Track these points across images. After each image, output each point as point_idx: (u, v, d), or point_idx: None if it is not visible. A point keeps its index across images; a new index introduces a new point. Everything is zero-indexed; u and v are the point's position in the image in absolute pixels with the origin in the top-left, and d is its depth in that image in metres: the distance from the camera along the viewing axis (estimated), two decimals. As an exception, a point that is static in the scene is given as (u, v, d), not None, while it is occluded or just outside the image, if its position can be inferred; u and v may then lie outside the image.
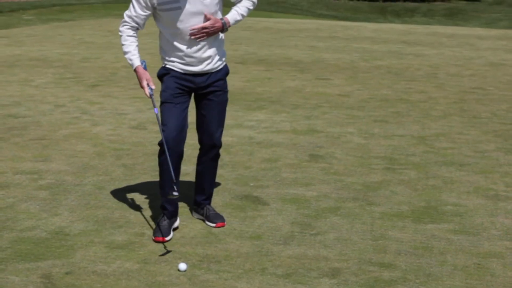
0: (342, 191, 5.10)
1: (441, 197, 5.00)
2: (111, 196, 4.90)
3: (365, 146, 6.41)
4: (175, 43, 4.05)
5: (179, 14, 3.93)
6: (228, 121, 7.15)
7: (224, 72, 4.25)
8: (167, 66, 4.13)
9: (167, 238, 4.07)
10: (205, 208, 4.47)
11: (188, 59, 4.07)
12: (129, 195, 4.93)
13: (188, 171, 5.43)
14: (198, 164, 4.49)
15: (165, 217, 4.18)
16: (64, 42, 14.43)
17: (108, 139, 6.50)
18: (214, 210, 4.48)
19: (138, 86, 9.65)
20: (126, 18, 4.08)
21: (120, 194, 4.96)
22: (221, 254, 3.94)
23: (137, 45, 4.11)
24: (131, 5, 4.04)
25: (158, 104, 4.15)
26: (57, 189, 5.05)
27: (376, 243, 4.13)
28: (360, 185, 5.25)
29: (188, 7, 3.92)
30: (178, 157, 4.14)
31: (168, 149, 4.00)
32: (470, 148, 6.38)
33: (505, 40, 17.31)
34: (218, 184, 5.11)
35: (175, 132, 4.06)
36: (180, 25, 3.97)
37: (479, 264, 3.86)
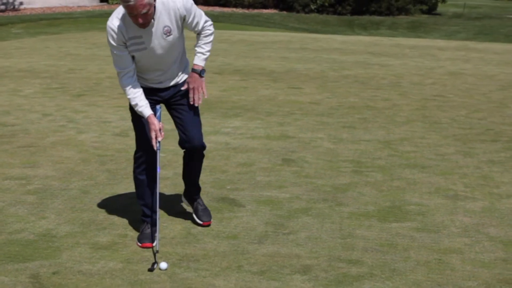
0: (313, 193, 5.12)
1: (404, 198, 5.04)
2: (95, 200, 4.87)
3: (334, 150, 6.43)
4: (140, 73, 3.95)
5: (146, 53, 3.84)
6: (205, 128, 7.13)
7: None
8: None
9: (154, 244, 4.04)
10: (195, 202, 4.39)
11: (152, 81, 3.99)
12: (113, 199, 4.90)
13: (168, 175, 5.41)
14: (184, 164, 4.32)
15: (148, 225, 4.14)
16: (51, 54, 14.30)
17: (92, 145, 6.45)
18: (203, 205, 4.40)
19: (121, 95, 9.61)
20: (117, 70, 3.88)
21: (104, 197, 4.93)
22: (200, 253, 3.93)
23: (142, 93, 3.87)
24: (112, 55, 3.86)
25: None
26: (44, 193, 5.00)
27: (344, 241, 4.15)
28: (330, 187, 5.27)
29: (153, 46, 3.82)
30: (154, 168, 4.05)
31: (143, 162, 4.04)
32: (431, 152, 6.44)
33: (463, 50, 17.51)
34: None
35: (146, 145, 3.98)
36: (146, 61, 3.88)
37: (440, 260, 3.90)
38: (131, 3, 3.54)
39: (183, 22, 3.88)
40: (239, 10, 35.85)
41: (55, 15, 28.31)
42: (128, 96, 3.89)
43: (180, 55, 4.01)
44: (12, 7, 33.93)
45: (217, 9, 35.55)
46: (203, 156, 4.28)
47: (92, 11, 31.13)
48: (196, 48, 4.03)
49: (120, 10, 3.76)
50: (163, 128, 3.92)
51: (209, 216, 4.38)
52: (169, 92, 4.05)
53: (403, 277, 3.65)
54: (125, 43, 3.79)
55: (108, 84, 10.26)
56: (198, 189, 4.44)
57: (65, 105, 8.50)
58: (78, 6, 35.27)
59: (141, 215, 4.22)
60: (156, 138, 3.87)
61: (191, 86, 3.99)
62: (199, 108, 4.18)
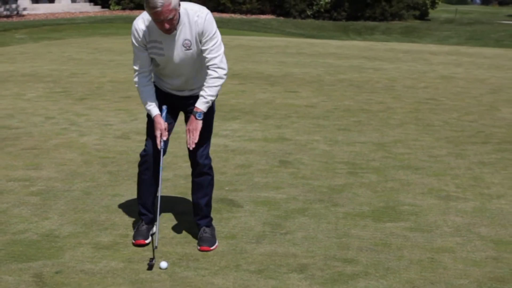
0: (309, 194, 5.12)
1: (398, 198, 5.04)
2: (97, 201, 4.87)
3: (329, 152, 6.44)
4: (161, 77, 3.96)
5: (164, 61, 3.81)
6: (205, 130, 7.15)
7: None
8: (155, 83, 3.99)
9: (146, 241, 4.03)
10: (201, 229, 4.10)
11: (172, 87, 3.97)
12: (114, 200, 4.90)
13: (168, 177, 5.41)
14: (191, 183, 4.19)
15: (143, 223, 4.13)
16: (53, 59, 14.30)
17: (94, 148, 6.45)
18: (208, 232, 4.07)
19: (122, 99, 9.63)
20: (135, 67, 3.87)
21: (105, 198, 4.92)
22: (199, 253, 3.93)
23: (153, 93, 3.86)
24: (133, 53, 3.85)
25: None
26: (47, 194, 5.00)
27: (340, 241, 4.15)
28: (326, 188, 5.27)
29: (171, 55, 3.77)
30: (157, 169, 4.02)
31: (147, 161, 4.00)
32: (424, 153, 6.45)
33: (455, 55, 17.56)
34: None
35: (154, 147, 3.97)
36: (164, 69, 3.87)
37: (432, 258, 3.90)
38: (158, 9, 3.51)
39: (201, 39, 3.76)
40: (237, 16, 35.89)
41: (58, 21, 28.30)
42: (140, 94, 3.90)
43: (199, 70, 3.88)
44: (16, 12, 33.93)
45: (216, 15, 35.56)
46: (206, 174, 4.08)
47: (94, 17, 31.12)
48: (200, 92, 3.83)
49: (147, 13, 3.72)
50: (167, 128, 3.91)
51: (209, 243, 4.00)
52: (185, 101, 3.99)
53: (397, 276, 3.66)
54: (145, 45, 3.78)
55: (109, 88, 10.26)
56: (205, 217, 4.15)
57: (68, 109, 8.50)
58: (80, 12, 35.27)
59: (138, 212, 4.20)
60: (160, 137, 3.86)
61: (187, 127, 3.86)
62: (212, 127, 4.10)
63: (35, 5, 35.62)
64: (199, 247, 4.00)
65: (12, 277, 3.55)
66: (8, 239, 4.09)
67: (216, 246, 4.03)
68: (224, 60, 3.81)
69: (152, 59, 3.87)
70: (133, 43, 3.82)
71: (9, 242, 4.04)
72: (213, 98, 3.81)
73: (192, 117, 3.82)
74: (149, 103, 3.88)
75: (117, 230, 4.29)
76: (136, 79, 3.90)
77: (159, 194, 3.99)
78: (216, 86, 3.78)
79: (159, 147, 3.90)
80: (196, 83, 3.94)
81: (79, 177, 5.47)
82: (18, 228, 4.29)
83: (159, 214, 4.12)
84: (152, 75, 3.94)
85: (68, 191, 5.10)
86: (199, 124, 3.80)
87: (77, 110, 8.40)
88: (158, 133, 3.87)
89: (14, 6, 34.95)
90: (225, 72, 3.80)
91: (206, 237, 4.04)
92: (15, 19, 30.11)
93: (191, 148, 3.85)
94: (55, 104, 8.85)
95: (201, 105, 3.79)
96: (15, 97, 9.31)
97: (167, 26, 3.61)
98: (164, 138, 3.88)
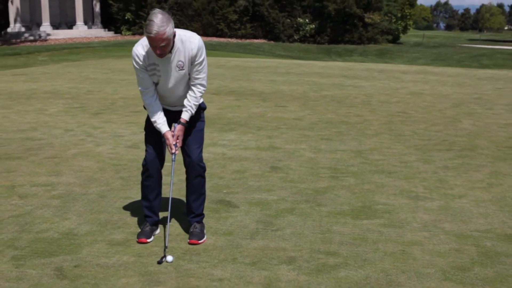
0: (297, 195, 5.13)
1: (374, 198, 5.06)
2: (111, 203, 4.86)
3: (314, 159, 6.46)
4: (159, 95, 3.94)
5: (160, 81, 3.84)
6: (205, 140, 7.13)
7: (198, 108, 4.02)
8: None
9: (148, 240, 4.02)
10: (192, 225, 4.10)
11: (167, 104, 3.99)
12: (126, 202, 4.89)
13: (174, 181, 5.39)
14: (186, 185, 4.19)
15: (148, 224, 4.12)
16: (72, 78, 14.29)
17: (108, 156, 6.45)
18: (198, 228, 4.06)
19: (132, 113, 9.59)
20: (140, 88, 3.85)
21: (118, 201, 4.92)
22: (200, 248, 3.93)
23: (161, 111, 3.88)
24: (136, 76, 3.87)
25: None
26: (67, 198, 4.99)
27: (323, 236, 4.17)
28: (311, 190, 5.28)
29: (167, 75, 3.81)
30: (158, 176, 4.07)
31: (148, 169, 4.01)
32: (396, 159, 6.47)
33: (422, 74, 17.64)
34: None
35: (153, 156, 4.00)
36: (161, 86, 3.88)
37: (403, 251, 3.92)
38: (152, 35, 3.54)
39: (193, 61, 3.82)
40: (233, 40, 35.99)
41: (76, 44, 28.30)
42: (149, 113, 3.90)
43: (188, 88, 3.95)
44: (39, 37, 33.92)
45: (215, 39, 35.65)
46: (201, 177, 4.06)
47: (107, 41, 31.15)
48: (186, 104, 3.90)
49: (145, 39, 3.75)
50: (179, 142, 3.93)
51: (198, 237, 4.00)
52: (177, 115, 4.00)
53: (373, 266, 3.67)
54: (145, 67, 3.80)
55: (121, 103, 10.26)
56: (198, 215, 4.13)
57: (85, 122, 8.50)
58: (96, 37, 35.29)
59: (144, 215, 4.20)
60: (171, 150, 3.89)
61: (175, 137, 3.90)
62: (203, 133, 4.13)
63: (56, 31, 35.63)
64: (188, 241, 4.00)
65: (36, 271, 3.55)
66: (32, 237, 4.09)
67: (204, 240, 4.02)
68: (206, 78, 3.95)
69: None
70: (134, 67, 3.83)
71: (33, 240, 4.04)
72: (195, 109, 3.93)
73: (178, 127, 3.91)
74: (158, 122, 3.89)
75: (128, 228, 4.29)
76: (144, 99, 3.91)
77: (170, 197, 3.99)
78: (198, 102, 3.95)
79: (172, 156, 3.94)
80: (184, 99, 3.97)
81: (95, 182, 5.47)
82: (41, 227, 4.29)
83: (170, 220, 4.10)
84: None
85: (85, 194, 5.10)
86: (183, 129, 3.93)
87: (93, 123, 8.39)
88: (169, 148, 3.90)
89: (37, 32, 34.96)
90: (205, 89, 3.96)
91: (196, 232, 4.04)
92: (38, 43, 30.11)
93: (175, 152, 3.91)
94: (73, 118, 8.84)
95: (186, 117, 3.91)
96: (38, 112, 9.30)
97: (158, 51, 3.64)
98: (174, 151, 3.90)
